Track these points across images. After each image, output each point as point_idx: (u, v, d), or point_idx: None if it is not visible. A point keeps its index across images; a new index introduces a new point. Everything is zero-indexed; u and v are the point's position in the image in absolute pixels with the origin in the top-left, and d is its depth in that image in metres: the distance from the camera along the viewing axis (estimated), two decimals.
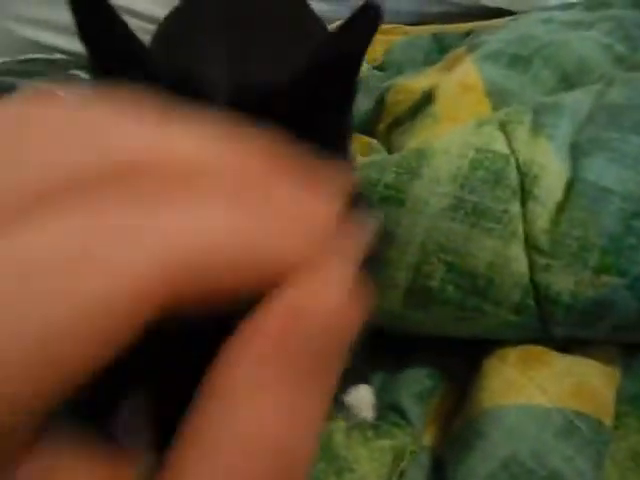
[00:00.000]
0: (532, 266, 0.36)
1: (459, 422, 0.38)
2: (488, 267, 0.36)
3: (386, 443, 0.38)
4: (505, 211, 0.36)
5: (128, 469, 0.16)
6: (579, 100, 0.39)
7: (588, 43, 0.47)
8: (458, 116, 0.44)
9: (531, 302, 0.36)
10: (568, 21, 0.50)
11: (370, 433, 0.39)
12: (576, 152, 0.36)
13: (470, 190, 0.36)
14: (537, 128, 0.37)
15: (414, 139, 0.45)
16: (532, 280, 0.36)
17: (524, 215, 0.36)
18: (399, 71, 0.66)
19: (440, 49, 0.66)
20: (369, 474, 0.37)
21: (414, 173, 0.37)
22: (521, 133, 0.37)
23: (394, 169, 0.38)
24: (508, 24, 0.53)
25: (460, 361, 0.42)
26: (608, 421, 0.36)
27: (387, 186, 0.38)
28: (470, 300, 0.37)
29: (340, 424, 0.39)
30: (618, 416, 0.38)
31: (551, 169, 0.36)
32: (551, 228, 0.35)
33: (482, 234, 0.36)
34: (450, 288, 0.38)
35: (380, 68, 0.69)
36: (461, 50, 0.52)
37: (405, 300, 0.39)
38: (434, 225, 0.37)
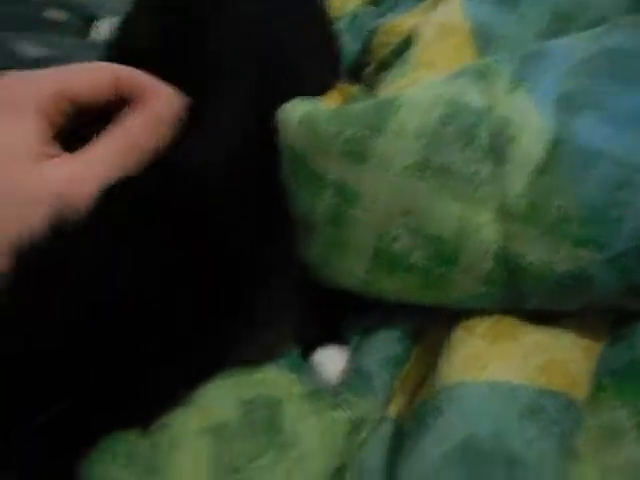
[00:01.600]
0: (505, 234, 0.31)
1: (421, 396, 0.35)
2: (456, 233, 0.32)
3: (342, 415, 0.35)
4: (476, 173, 0.31)
5: None
6: (572, 46, 0.33)
7: None
8: (437, 62, 0.38)
9: (502, 272, 0.32)
10: None
11: (324, 403, 0.35)
12: (563, 109, 0.31)
13: (437, 148, 0.31)
14: (518, 80, 0.32)
15: (390, 87, 0.39)
16: (504, 249, 0.31)
17: (498, 179, 0.31)
18: (395, 5, 0.60)
19: None
20: (316, 450, 0.33)
21: (377, 127, 0.32)
22: (500, 86, 0.32)
23: (356, 122, 0.33)
24: None
25: (438, 325, 0.38)
26: (581, 397, 0.33)
27: (347, 141, 0.33)
28: (436, 267, 0.33)
29: (293, 390, 0.36)
30: (597, 390, 0.33)
31: (531, 128, 0.30)
32: (528, 194, 0.30)
33: (450, 197, 0.32)
34: (416, 254, 0.33)
35: (375, 2, 0.63)
36: None
37: (371, 264, 0.35)
38: (398, 185, 0.33)
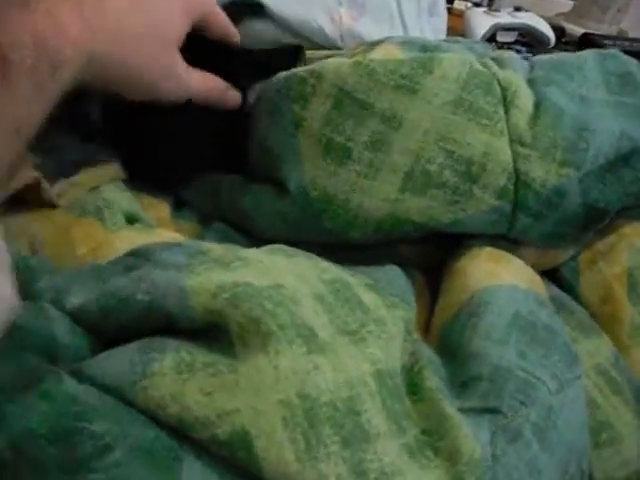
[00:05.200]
0: (516, 156, 0.41)
1: (445, 314, 0.40)
2: (482, 155, 0.40)
3: (401, 313, 0.36)
4: (495, 112, 0.41)
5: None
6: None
7: None
8: None
9: (511, 187, 0.41)
10: None
11: (385, 295, 0.36)
12: (534, 85, 0.43)
13: (468, 92, 0.41)
14: (501, 63, 0.44)
15: None
16: (515, 168, 0.40)
17: (507, 119, 0.41)
18: None
19: None
20: (396, 334, 0.34)
21: (427, 69, 0.40)
22: (492, 63, 0.43)
23: (410, 64, 0.40)
24: None
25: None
26: None
27: (403, 76, 0.40)
28: (463, 184, 0.40)
29: (356, 279, 0.36)
30: None
31: (523, 90, 0.42)
32: (530, 128, 0.41)
33: (477, 128, 0.40)
34: (447, 172, 0.40)
35: None
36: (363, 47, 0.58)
37: (403, 184, 0.40)
38: (438, 116, 0.40)
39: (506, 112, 0.41)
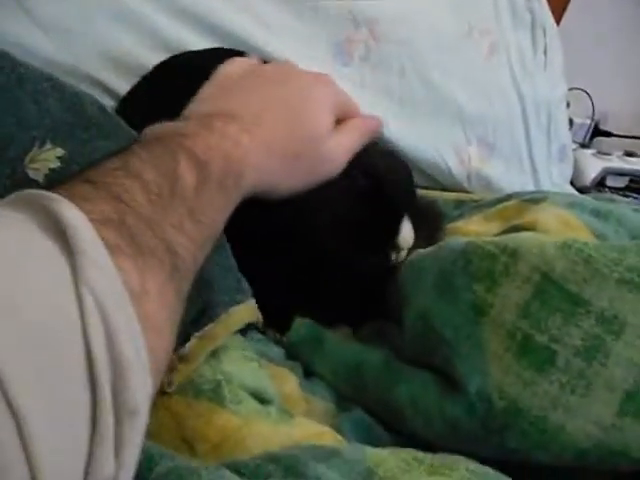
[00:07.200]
0: None
1: None
2: None
3: None
4: None
5: None
6: None
7: None
8: None
9: None
10: None
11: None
12: None
13: None
14: None
15: None
16: None
17: None
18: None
19: None
20: None
21: None
22: None
23: (637, 252, 0.32)
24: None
25: None
26: None
27: (629, 269, 0.31)
28: None
29: None
30: None
31: None
32: None
33: None
34: None
35: None
36: (515, 201, 0.50)
37: (622, 406, 0.31)
38: None
39: None
